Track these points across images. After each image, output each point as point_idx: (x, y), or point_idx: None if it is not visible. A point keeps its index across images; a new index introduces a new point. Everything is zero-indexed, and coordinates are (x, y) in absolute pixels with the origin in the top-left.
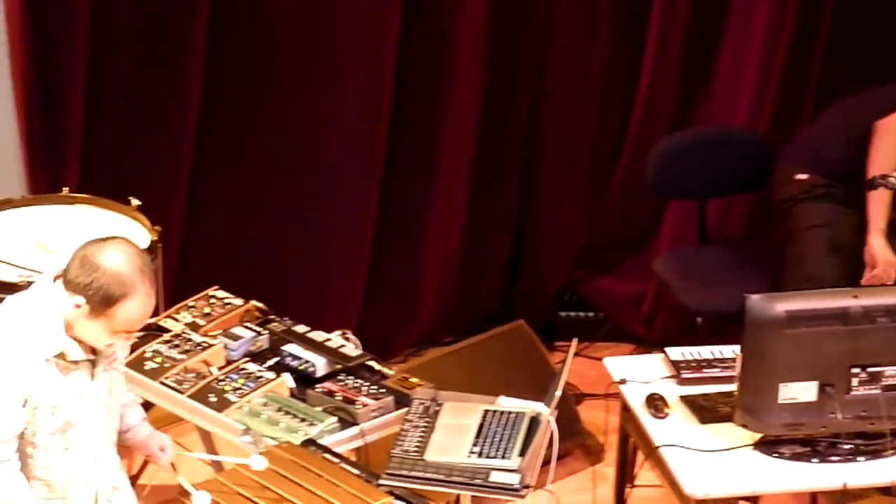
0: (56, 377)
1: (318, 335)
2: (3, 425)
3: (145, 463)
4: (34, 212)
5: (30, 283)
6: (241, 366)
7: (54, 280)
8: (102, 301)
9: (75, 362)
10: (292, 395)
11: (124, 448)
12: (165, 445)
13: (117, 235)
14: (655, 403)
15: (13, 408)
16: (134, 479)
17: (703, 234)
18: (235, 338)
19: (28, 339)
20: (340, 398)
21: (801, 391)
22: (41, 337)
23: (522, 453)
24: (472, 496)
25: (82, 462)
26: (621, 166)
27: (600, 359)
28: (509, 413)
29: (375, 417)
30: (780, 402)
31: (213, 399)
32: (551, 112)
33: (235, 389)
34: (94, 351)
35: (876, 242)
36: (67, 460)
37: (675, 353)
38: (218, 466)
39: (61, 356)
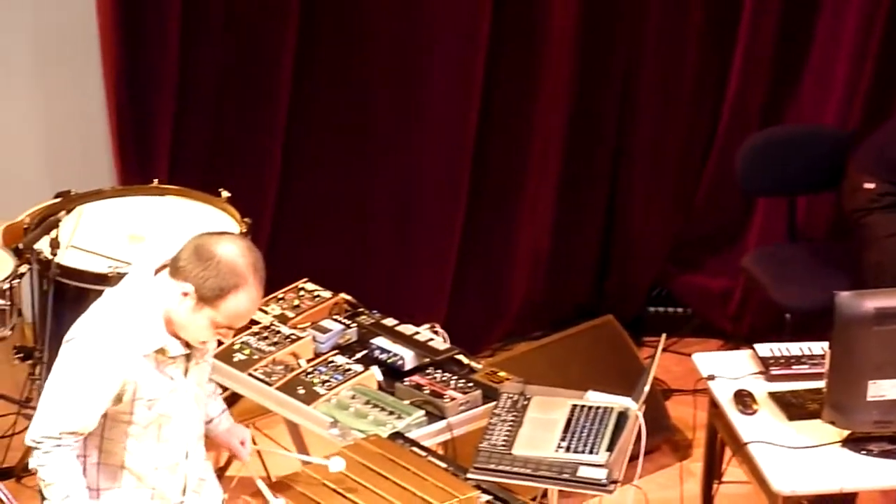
0: (153, 372)
1: (407, 328)
2: (81, 419)
3: (231, 456)
4: (124, 203)
5: (120, 275)
6: (330, 358)
7: (155, 273)
8: (213, 291)
9: (173, 358)
10: (380, 388)
11: (210, 441)
12: (245, 439)
13: (230, 231)
14: (744, 400)
15: (97, 405)
16: (221, 472)
17: (793, 231)
18: (324, 330)
19: (128, 334)
20: (428, 392)
21: (891, 388)
22: (142, 332)
23: (610, 448)
24: (560, 491)
25: (173, 454)
26: (711, 163)
27: (689, 354)
28: (597, 408)
29: (463, 411)
30: (868, 399)
31: (301, 391)
32: (641, 109)
33: (324, 382)
34: (188, 345)
35: None
36: (159, 452)
37: (764, 349)
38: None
39: (161, 351)
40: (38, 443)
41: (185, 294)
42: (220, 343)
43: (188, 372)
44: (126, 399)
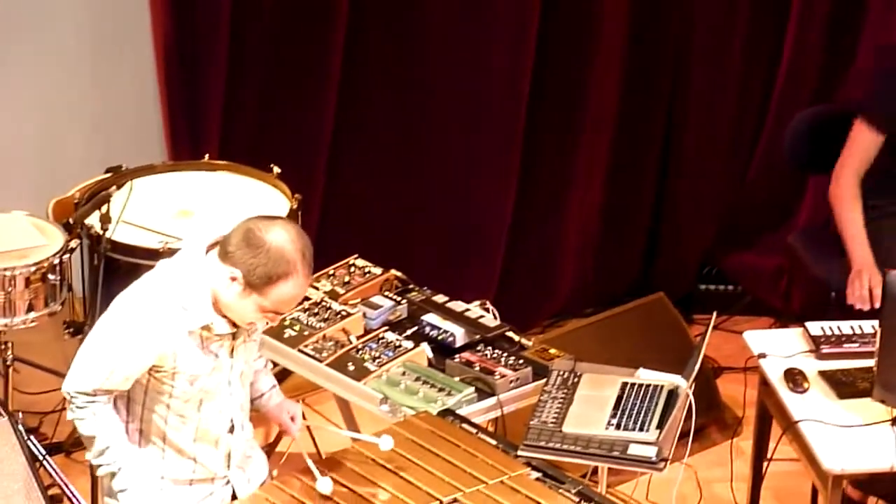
0: (196, 348)
1: (458, 305)
2: (113, 380)
3: (281, 432)
4: (175, 178)
5: (171, 250)
6: (380, 335)
7: (207, 251)
8: (261, 278)
9: (219, 336)
10: (430, 364)
11: (260, 417)
12: (295, 414)
13: (281, 216)
14: (794, 378)
15: (131, 370)
16: (271, 448)
17: None
18: (375, 307)
19: (174, 309)
20: (479, 368)
21: None
22: (188, 308)
23: (660, 426)
24: (609, 468)
25: (214, 429)
26: (762, 140)
27: (739, 332)
28: (648, 385)
29: (513, 388)
30: None
31: (351, 368)
32: (693, 86)
33: (374, 358)
34: (235, 324)
35: None
36: (200, 426)
37: (815, 327)
38: (355, 431)
39: (206, 329)
40: (73, 396)
41: (234, 279)
42: (255, 329)
43: (234, 350)
44: (166, 371)
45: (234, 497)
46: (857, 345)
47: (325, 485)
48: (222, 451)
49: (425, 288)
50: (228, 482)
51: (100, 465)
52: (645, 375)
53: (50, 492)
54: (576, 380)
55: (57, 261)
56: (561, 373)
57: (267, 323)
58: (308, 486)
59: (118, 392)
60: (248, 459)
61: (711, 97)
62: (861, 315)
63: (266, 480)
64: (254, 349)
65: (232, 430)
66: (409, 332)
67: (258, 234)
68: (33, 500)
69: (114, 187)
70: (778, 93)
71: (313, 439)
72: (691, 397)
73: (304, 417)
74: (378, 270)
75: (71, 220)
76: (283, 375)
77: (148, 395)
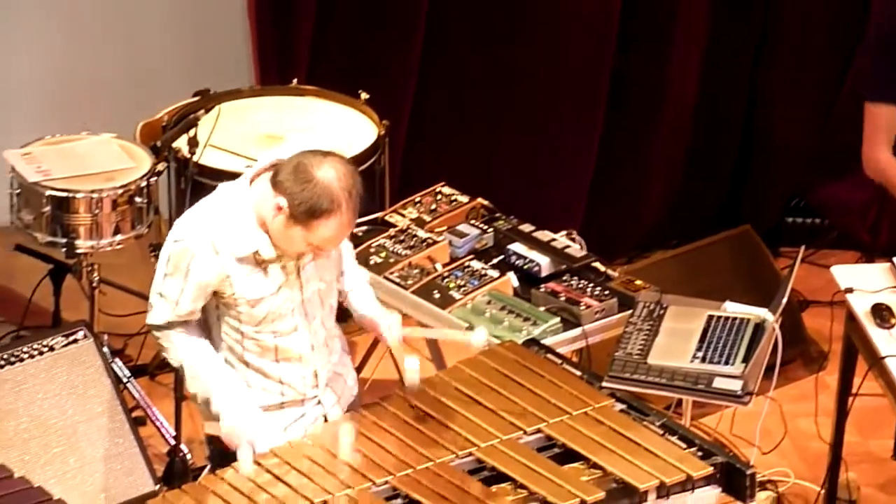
0: (252, 273)
1: (544, 235)
2: (178, 311)
3: (366, 357)
4: (263, 103)
5: None
6: (466, 263)
7: (251, 182)
8: (306, 212)
9: (277, 256)
10: (516, 294)
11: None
12: (393, 324)
13: (336, 153)
14: (881, 313)
15: (190, 300)
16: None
17: None
18: (461, 235)
19: (221, 236)
20: (564, 299)
21: None
22: (234, 234)
23: (746, 360)
24: (694, 401)
25: (296, 349)
26: (852, 72)
27: (826, 266)
28: (734, 319)
29: (599, 319)
30: None
31: (436, 296)
32: (782, 18)
33: (459, 287)
34: None
35: None
36: (280, 347)
37: None
38: (440, 363)
39: (257, 253)
40: (153, 331)
41: (279, 208)
42: (357, 244)
43: (302, 269)
44: (227, 297)
45: (326, 419)
46: None
47: (412, 363)
48: (308, 370)
49: (512, 217)
50: (319, 402)
51: (195, 393)
52: (731, 308)
53: (133, 414)
54: (661, 312)
55: (144, 183)
56: (647, 304)
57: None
58: (398, 412)
59: (192, 320)
60: (338, 378)
61: (801, 27)
62: None
63: (356, 399)
64: (329, 265)
65: (314, 348)
66: (494, 260)
67: (308, 168)
68: (117, 423)
69: (202, 111)
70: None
71: (398, 368)
72: (777, 331)
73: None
74: (464, 198)
75: (158, 143)
76: None
77: (222, 322)
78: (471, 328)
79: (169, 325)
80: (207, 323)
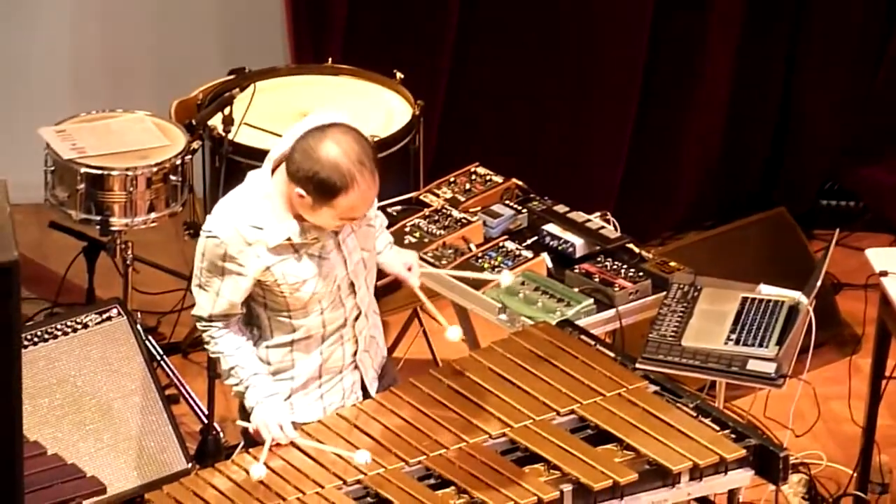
0: (291, 258)
1: (578, 216)
2: (220, 306)
3: (399, 337)
4: (298, 81)
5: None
6: (500, 243)
7: (272, 172)
8: (323, 193)
9: (315, 238)
10: (550, 274)
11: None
12: (412, 264)
13: (338, 123)
14: None
15: (232, 296)
16: (388, 352)
17: None
18: (495, 215)
19: (251, 230)
20: (598, 280)
21: None
22: (264, 226)
23: (780, 342)
24: (727, 383)
25: (341, 323)
26: (889, 54)
27: (860, 249)
28: (768, 301)
29: (633, 300)
30: None
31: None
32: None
33: (493, 267)
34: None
35: None
36: (326, 325)
37: None
38: (473, 344)
39: (290, 240)
40: (196, 322)
41: (301, 196)
42: (391, 224)
43: (343, 243)
44: (270, 284)
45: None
46: None
47: (454, 333)
48: (349, 340)
49: (546, 197)
50: (356, 367)
51: (232, 387)
52: (766, 291)
53: (166, 392)
54: (696, 293)
55: (179, 161)
56: (681, 286)
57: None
58: (431, 392)
59: (234, 314)
60: (372, 341)
61: (837, 8)
62: None
63: (387, 363)
64: (369, 234)
65: (359, 317)
66: (529, 241)
67: (312, 153)
68: (150, 400)
69: (237, 89)
70: None
71: (430, 347)
72: (811, 314)
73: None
74: (499, 179)
75: (193, 122)
76: (399, 283)
77: (269, 308)
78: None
79: (210, 319)
80: (252, 307)
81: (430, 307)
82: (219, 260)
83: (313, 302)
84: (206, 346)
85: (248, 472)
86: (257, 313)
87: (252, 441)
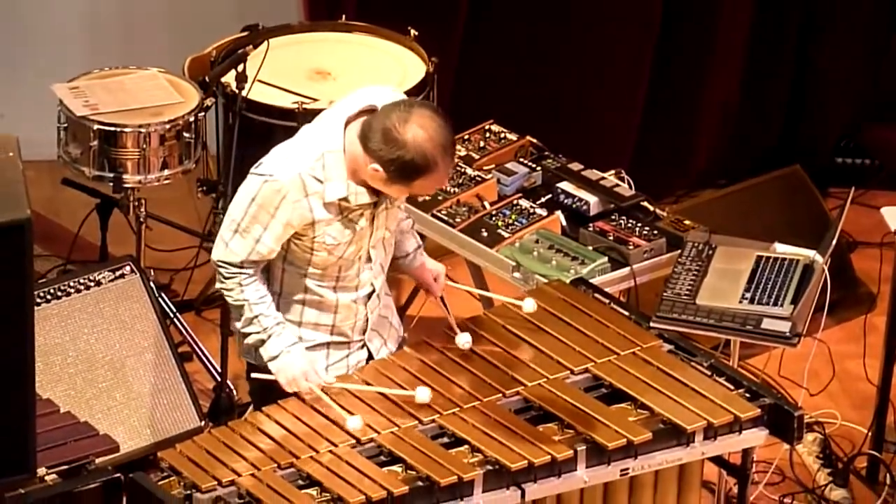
0: (335, 218)
1: (593, 173)
2: (258, 251)
3: (413, 294)
4: (312, 38)
5: (305, 111)
6: (514, 201)
7: (345, 126)
8: (403, 175)
9: (359, 206)
10: (564, 232)
11: (392, 279)
12: (439, 274)
13: (423, 103)
14: None
15: (273, 240)
16: (402, 311)
17: None
18: (509, 173)
19: (313, 181)
20: (612, 238)
21: None
22: (326, 180)
23: (795, 301)
24: (742, 342)
25: (353, 295)
26: None
27: (875, 207)
28: (783, 259)
29: (647, 259)
30: None
31: (484, 234)
32: None
33: (507, 225)
34: (376, 192)
35: None
36: (339, 292)
37: None
38: (487, 302)
39: (344, 200)
40: (220, 266)
41: (376, 171)
42: None
43: (375, 219)
44: (306, 239)
45: (369, 359)
46: None
47: (465, 339)
48: (360, 315)
49: (560, 155)
50: (364, 346)
51: (248, 335)
52: (781, 249)
53: (180, 349)
54: (710, 252)
55: (192, 118)
56: (696, 244)
57: None
58: (441, 350)
59: (262, 263)
60: (384, 321)
61: None
62: None
63: (400, 343)
64: (396, 214)
65: (370, 295)
66: (543, 199)
67: (397, 136)
68: (163, 358)
69: (250, 46)
70: None
71: (445, 306)
72: (826, 272)
73: (448, 278)
74: (513, 136)
75: (207, 78)
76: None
77: (287, 261)
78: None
79: (241, 264)
80: (270, 263)
81: (451, 320)
82: (272, 205)
83: (333, 267)
84: (227, 293)
85: (262, 430)
86: (274, 269)
87: (261, 398)
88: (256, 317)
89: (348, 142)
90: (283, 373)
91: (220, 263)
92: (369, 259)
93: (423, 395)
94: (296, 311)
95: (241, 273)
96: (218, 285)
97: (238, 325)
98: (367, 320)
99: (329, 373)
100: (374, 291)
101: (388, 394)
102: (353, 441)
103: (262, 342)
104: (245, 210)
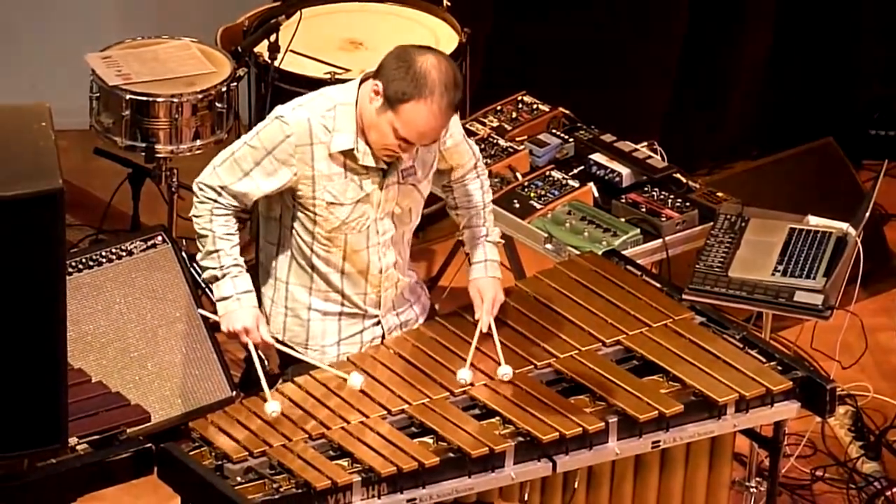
0: (338, 174)
1: (625, 145)
2: (244, 184)
3: (444, 266)
4: (345, 8)
5: (338, 81)
6: (547, 173)
7: (360, 83)
8: (396, 92)
9: (365, 168)
10: (596, 204)
11: (420, 250)
12: (485, 297)
13: (444, 53)
14: None
15: (264, 180)
16: (433, 282)
17: None
18: (542, 144)
19: (321, 129)
20: (645, 209)
21: None
22: (334, 130)
23: (828, 274)
24: (774, 314)
25: (363, 266)
26: None
27: None
28: (816, 232)
29: (680, 231)
30: None
31: (516, 205)
32: None
33: (539, 196)
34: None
35: None
36: (347, 260)
37: None
38: (519, 273)
39: (350, 156)
40: (199, 189)
41: (376, 91)
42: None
43: (384, 187)
44: (307, 198)
45: (383, 338)
46: None
47: (505, 371)
48: (371, 290)
49: (593, 126)
50: (379, 322)
51: (205, 269)
52: (813, 221)
53: (210, 319)
54: (743, 224)
55: (224, 89)
56: (728, 216)
57: (430, 168)
58: (461, 326)
59: (241, 203)
60: (403, 301)
61: None
62: None
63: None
64: (413, 197)
65: (381, 270)
66: (575, 170)
67: (409, 56)
68: (194, 328)
69: (283, 16)
70: None
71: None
72: (859, 245)
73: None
74: (546, 107)
75: (239, 48)
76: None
77: (296, 221)
78: (551, 244)
79: (220, 192)
80: (280, 224)
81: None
82: (273, 143)
83: (340, 230)
84: (196, 219)
85: (293, 401)
86: (284, 230)
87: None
88: (217, 251)
89: (360, 96)
90: (226, 319)
91: (200, 185)
92: (377, 231)
93: (355, 380)
94: (307, 275)
95: (216, 201)
96: (192, 211)
97: (199, 256)
98: (379, 295)
99: (341, 348)
100: (384, 268)
101: (317, 376)
102: (384, 412)
103: (216, 279)
104: (245, 141)
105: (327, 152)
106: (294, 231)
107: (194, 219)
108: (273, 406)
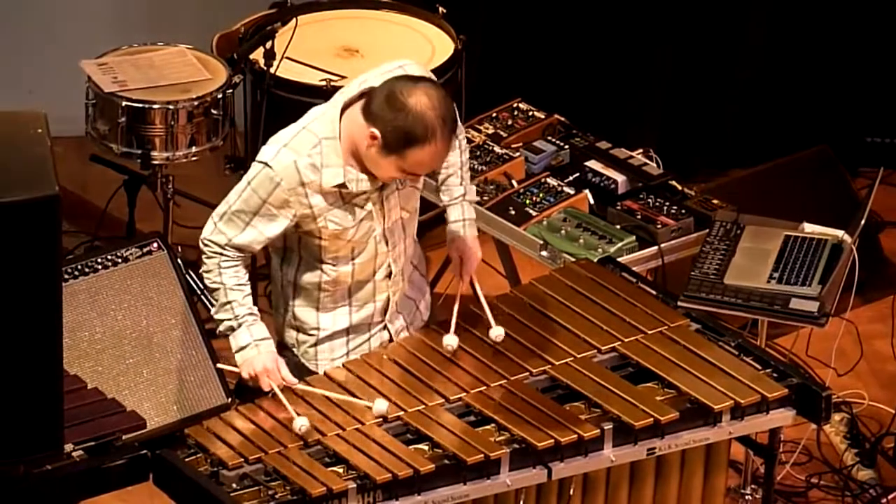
0: (337, 204)
1: (621, 152)
2: (245, 238)
3: (439, 273)
4: (340, 15)
5: (334, 88)
6: (542, 180)
7: (342, 112)
8: (399, 140)
9: (361, 192)
10: (591, 211)
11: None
12: (466, 257)
13: (428, 78)
14: None
15: (265, 231)
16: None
17: None
18: (537, 151)
19: (309, 168)
20: (640, 217)
21: None
22: (322, 167)
23: (823, 281)
24: (769, 321)
25: (372, 277)
26: None
27: None
28: (811, 239)
29: (675, 238)
30: None
31: (512, 212)
32: None
33: (535, 203)
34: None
35: None
36: (356, 275)
37: None
38: (514, 280)
39: (342, 187)
40: (205, 244)
41: (374, 138)
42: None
43: (386, 199)
44: (312, 230)
45: (390, 341)
46: None
47: (497, 332)
48: (380, 297)
49: (588, 133)
50: (386, 327)
51: (221, 321)
52: (809, 228)
53: (206, 326)
54: (738, 231)
55: (220, 95)
56: (724, 223)
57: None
58: (471, 329)
59: (248, 252)
60: (409, 303)
61: None
62: None
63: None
64: (413, 196)
65: (391, 276)
66: (571, 177)
67: (400, 97)
68: (190, 335)
69: (279, 23)
70: None
71: (474, 288)
72: (855, 252)
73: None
74: (541, 114)
75: (235, 55)
76: (439, 218)
77: (302, 247)
78: (546, 252)
79: (225, 246)
80: (286, 245)
81: (484, 305)
82: (266, 191)
83: (346, 249)
84: (206, 274)
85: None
86: (290, 252)
87: (243, 387)
88: (230, 303)
89: (344, 127)
90: (246, 366)
91: (205, 242)
92: (387, 241)
93: (380, 406)
94: (313, 296)
95: (222, 255)
96: (202, 268)
97: (212, 310)
98: (387, 300)
99: (350, 356)
100: (395, 272)
101: (337, 399)
102: (380, 419)
103: (232, 330)
104: (239, 193)
105: (320, 189)
106: (301, 258)
107: (204, 274)
108: (301, 421)
